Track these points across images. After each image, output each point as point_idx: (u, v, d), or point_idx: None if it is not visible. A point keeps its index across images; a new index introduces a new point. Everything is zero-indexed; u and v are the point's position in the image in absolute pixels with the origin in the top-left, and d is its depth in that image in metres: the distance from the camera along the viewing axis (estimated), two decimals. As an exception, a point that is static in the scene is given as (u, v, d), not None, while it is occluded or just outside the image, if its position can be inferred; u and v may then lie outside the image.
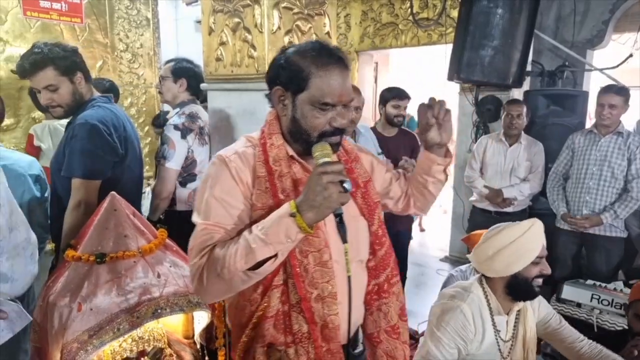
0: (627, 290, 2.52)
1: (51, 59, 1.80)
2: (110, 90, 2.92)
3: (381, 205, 1.38)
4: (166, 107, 3.02)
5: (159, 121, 2.77)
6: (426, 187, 1.33)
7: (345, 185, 0.95)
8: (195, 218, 1.10)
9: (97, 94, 2.01)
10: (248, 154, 1.14)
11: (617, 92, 2.82)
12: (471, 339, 1.62)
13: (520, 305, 1.71)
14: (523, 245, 1.60)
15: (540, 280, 1.64)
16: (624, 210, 2.79)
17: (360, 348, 1.31)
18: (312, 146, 1.07)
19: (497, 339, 1.67)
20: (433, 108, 1.19)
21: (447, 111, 1.20)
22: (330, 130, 1.10)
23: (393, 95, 3.04)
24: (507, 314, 1.70)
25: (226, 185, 1.09)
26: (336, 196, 0.94)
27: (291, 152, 1.15)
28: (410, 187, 1.38)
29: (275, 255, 0.99)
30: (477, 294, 1.68)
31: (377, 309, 1.27)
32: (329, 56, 1.09)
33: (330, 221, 1.11)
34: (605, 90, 2.86)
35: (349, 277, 1.05)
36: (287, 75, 1.10)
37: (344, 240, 1.02)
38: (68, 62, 1.84)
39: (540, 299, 1.78)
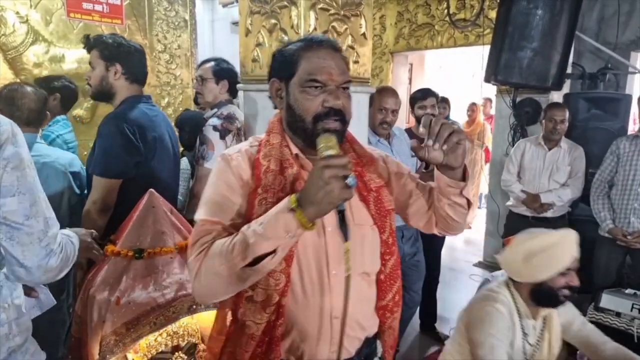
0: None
1: (98, 42, 1.97)
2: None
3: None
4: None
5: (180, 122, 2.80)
6: (443, 209, 1.17)
7: (348, 180, 0.89)
8: (196, 215, 1.09)
9: (137, 93, 2.04)
10: (251, 152, 1.13)
11: None
12: (511, 340, 1.62)
13: (546, 310, 1.71)
14: (553, 254, 1.60)
15: (566, 291, 1.63)
16: None
17: None
18: (316, 138, 1.01)
19: (523, 343, 1.67)
20: (431, 128, 1.04)
21: (453, 131, 1.02)
22: (325, 112, 1.05)
23: (419, 97, 3.02)
24: (535, 319, 1.70)
25: (226, 183, 1.08)
26: (338, 192, 0.88)
27: (295, 150, 1.12)
28: (432, 205, 1.23)
29: (275, 251, 0.94)
30: (506, 297, 1.68)
31: (388, 327, 1.21)
32: (316, 40, 1.10)
33: (330, 222, 1.07)
34: None
35: (347, 278, 1.00)
36: (278, 65, 1.12)
37: (346, 238, 0.96)
38: (108, 50, 1.95)
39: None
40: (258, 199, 1.05)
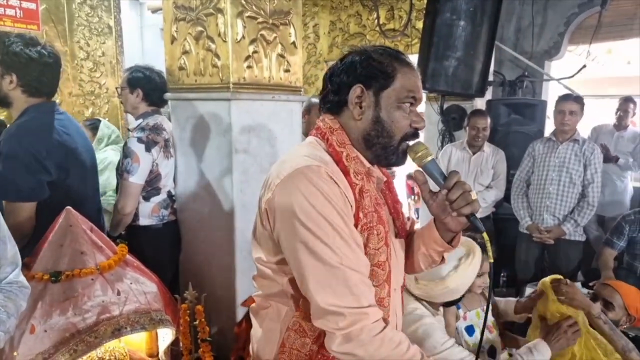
0: (585, 291, 2.60)
1: None
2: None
3: None
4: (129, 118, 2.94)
5: None
6: (416, 254, 1.19)
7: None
8: (321, 249, 0.91)
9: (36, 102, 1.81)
10: (334, 170, 0.98)
11: (575, 99, 2.97)
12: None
13: None
14: (470, 270, 1.64)
15: (482, 287, 1.79)
16: (584, 218, 2.91)
17: None
18: (407, 148, 1.05)
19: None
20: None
21: (468, 203, 1.03)
22: (411, 133, 1.04)
23: None
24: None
25: (343, 212, 0.94)
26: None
27: (367, 164, 1.05)
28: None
29: None
30: (427, 309, 1.68)
31: None
32: (406, 58, 1.06)
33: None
34: (564, 98, 3.00)
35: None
36: (369, 72, 1.01)
37: (481, 229, 1.03)
38: (1, 56, 1.73)
39: None
40: (360, 225, 0.98)
